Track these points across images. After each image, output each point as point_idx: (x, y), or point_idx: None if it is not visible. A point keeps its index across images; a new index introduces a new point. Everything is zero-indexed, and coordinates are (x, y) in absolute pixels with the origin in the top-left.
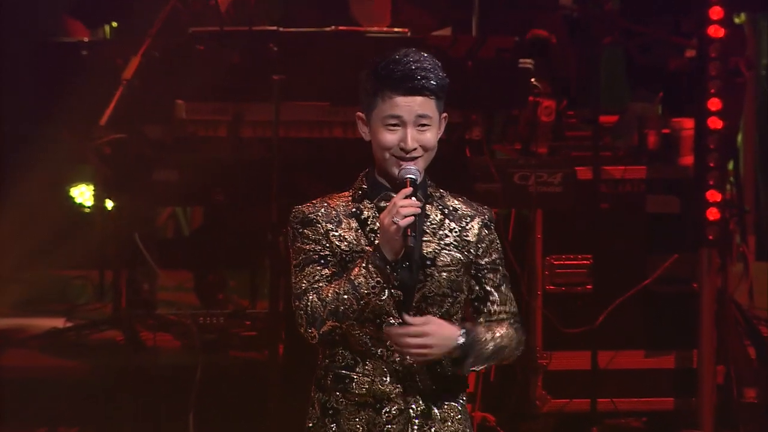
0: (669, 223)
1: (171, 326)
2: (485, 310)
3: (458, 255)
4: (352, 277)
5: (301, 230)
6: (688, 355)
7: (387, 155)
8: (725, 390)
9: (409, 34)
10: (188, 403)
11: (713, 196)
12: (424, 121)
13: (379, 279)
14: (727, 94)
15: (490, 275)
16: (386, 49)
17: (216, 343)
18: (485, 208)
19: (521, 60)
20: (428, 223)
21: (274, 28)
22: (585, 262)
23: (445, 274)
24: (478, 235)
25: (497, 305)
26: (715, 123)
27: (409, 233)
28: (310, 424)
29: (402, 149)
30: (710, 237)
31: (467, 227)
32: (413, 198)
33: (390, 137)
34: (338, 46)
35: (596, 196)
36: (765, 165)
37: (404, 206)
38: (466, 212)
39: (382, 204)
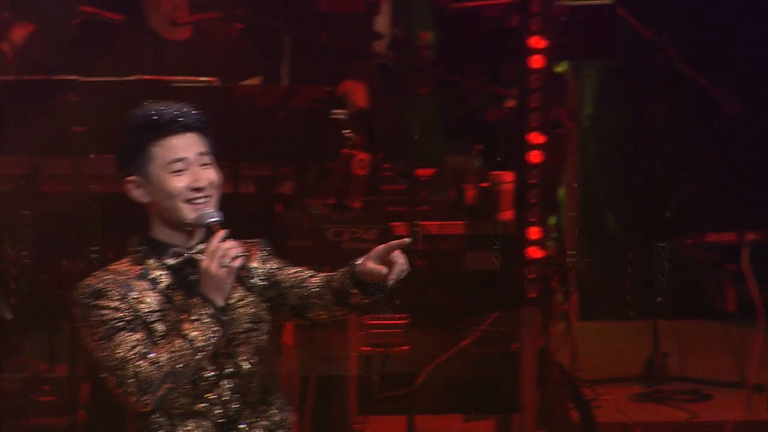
0: (489, 280)
1: None
2: (304, 279)
3: (243, 291)
4: (185, 333)
5: (93, 303)
6: (509, 420)
7: (178, 203)
8: None
9: (218, 82)
10: None
11: (534, 252)
12: (205, 159)
13: (215, 329)
14: (548, 146)
15: (283, 270)
16: (193, 98)
17: (12, 409)
18: (256, 240)
19: (334, 110)
20: None
21: (74, 77)
22: (401, 321)
23: (240, 309)
24: (258, 260)
25: (302, 270)
26: (535, 176)
27: (242, 274)
28: None
29: (195, 189)
30: (531, 295)
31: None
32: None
33: (179, 182)
34: (143, 95)
35: (412, 253)
36: (588, 220)
37: (230, 248)
38: (244, 250)
39: (170, 261)
